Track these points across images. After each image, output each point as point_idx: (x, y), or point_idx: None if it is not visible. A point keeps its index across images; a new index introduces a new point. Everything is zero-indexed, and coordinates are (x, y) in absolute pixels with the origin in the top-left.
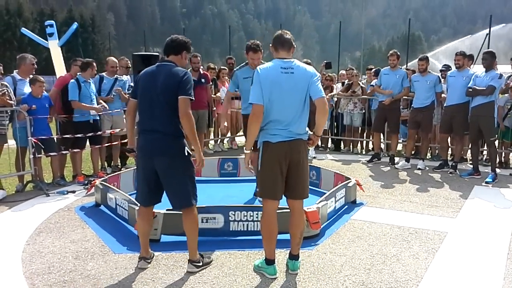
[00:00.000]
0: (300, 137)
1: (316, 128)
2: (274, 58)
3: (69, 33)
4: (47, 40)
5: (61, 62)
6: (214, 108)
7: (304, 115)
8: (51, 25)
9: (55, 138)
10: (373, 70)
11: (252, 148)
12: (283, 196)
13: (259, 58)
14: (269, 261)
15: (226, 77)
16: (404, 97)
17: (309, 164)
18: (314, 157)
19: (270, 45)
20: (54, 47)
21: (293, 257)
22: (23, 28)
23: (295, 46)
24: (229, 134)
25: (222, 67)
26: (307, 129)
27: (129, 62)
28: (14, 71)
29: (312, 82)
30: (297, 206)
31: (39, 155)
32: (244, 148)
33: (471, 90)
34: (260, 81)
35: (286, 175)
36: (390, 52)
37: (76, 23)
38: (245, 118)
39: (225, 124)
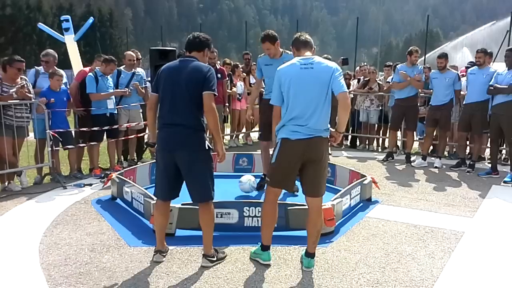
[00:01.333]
0: (320, 134)
1: (338, 125)
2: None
3: (84, 27)
4: (63, 35)
5: (77, 57)
6: (227, 104)
7: (325, 110)
8: (67, 20)
9: (72, 132)
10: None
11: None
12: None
13: (268, 48)
14: (265, 247)
15: (242, 72)
16: (421, 94)
17: None
18: (330, 154)
19: (291, 46)
20: (70, 41)
21: (309, 255)
22: (39, 23)
23: (314, 47)
24: (244, 130)
25: (237, 63)
26: (329, 126)
27: (139, 54)
28: (41, 64)
29: (335, 77)
30: (315, 204)
31: (57, 148)
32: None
33: (492, 88)
34: (280, 80)
35: (303, 171)
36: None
37: (92, 17)
38: (265, 101)
39: (251, 114)
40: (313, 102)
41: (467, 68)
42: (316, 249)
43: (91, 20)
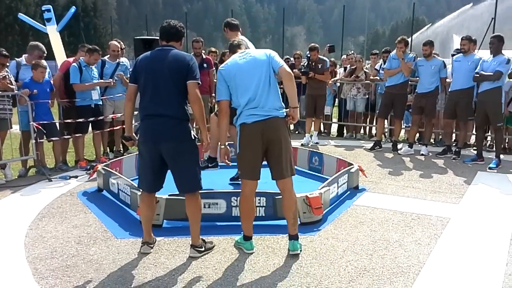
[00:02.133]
0: (275, 114)
1: (289, 99)
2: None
3: (67, 17)
4: (45, 25)
5: (60, 47)
6: (214, 94)
7: (274, 90)
8: (49, 10)
9: (57, 123)
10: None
11: (226, 143)
12: (260, 176)
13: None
14: (246, 237)
15: None
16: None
17: (309, 149)
18: (317, 143)
19: (228, 52)
20: (53, 32)
21: (292, 237)
22: (20, 14)
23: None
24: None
25: (224, 50)
26: (283, 105)
27: (122, 43)
28: (23, 55)
29: (271, 57)
30: (286, 187)
31: (41, 140)
32: (219, 144)
33: (478, 75)
34: (223, 77)
35: (267, 156)
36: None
37: (74, 7)
38: None
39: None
40: (259, 84)
41: (453, 55)
42: (302, 235)
43: (73, 9)
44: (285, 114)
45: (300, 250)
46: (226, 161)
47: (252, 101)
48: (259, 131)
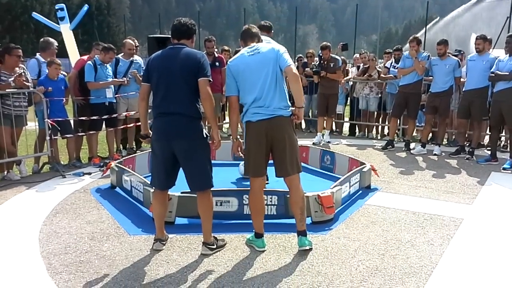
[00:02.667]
0: (280, 113)
1: (295, 99)
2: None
3: (80, 16)
4: (58, 24)
5: (74, 46)
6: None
7: (280, 89)
8: (62, 9)
9: (71, 121)
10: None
11: (238, 137)
12: (266, 173)
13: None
14: (258, 235)
15: None
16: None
17: (320, 147)
18: (329, 142)
19: (240, 39)
20: (66, 30)
21: (300, 233)
22: (34, 13)
23: (261, 38)
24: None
25: (237, 49)
26: (289, 104)
27: (136, 41)
28: (37, 53)
29: (279, 54)
30: (292, 183)
31: (55, 137)
32: (231, 137)
33: (493, 75)
34: (231, 72)
35: (272, 154)
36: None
37: (86, 5)
38: None
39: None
40: (266, 83)
41: (454, 55)
42: (305, 226)
43: (85, 7)
44: (290, 112)
45: (310, 247)
46: (239, 153)
47: (258, 100)
48: (263, 129)
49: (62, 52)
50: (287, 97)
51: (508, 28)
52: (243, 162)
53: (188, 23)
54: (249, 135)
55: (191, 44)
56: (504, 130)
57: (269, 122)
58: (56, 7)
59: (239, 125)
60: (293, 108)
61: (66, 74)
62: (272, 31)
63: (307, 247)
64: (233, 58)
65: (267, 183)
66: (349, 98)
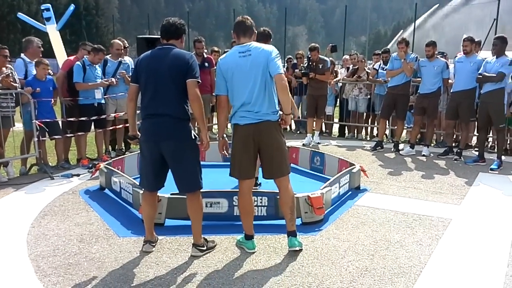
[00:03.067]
0: (268, 118)
1: (282, 106)
2: (235, 45)
3: (66, 16)
4: (45, 24)
5: (60, 46)
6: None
7: (269, 95)
8: (47, 9)
9: (59, 122)
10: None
11: (225, 136)
12: (254, 175)
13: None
14: (248, 236)
15: None
16: (412, 83)
17: (310, 149)
18: (318, 143)
19: (232, 31)
20: (52, 31)
21: (290, 233)
22: (19, 13)
23: (255, 31)
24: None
25: (226, 50)
26: (278, 109)
27: (126, 42)
28: (21, 54)
29: (270, 59)
30: (282, 184)
31: (44, 138)
32: (217, 136)
33: (481, 76)
34: (222, 71)
35: (260, 155)
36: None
37: (73, 5)
38: None
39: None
40: (256, 87)
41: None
42: (295, 227)
43: (72, 7)
44: (278, 117)
45: (300, 248)
46: (225, 152)
47: (246, 105)
48: (251, 133)
49: (49, 53)
50: (276, 101)
51: (495, 30)
52: None
53: (177, 23)
54: (236, 138)
55: (181, 44)
56: (491, 131)
57: (256, 126)
58: (42, 7)
59: (228, 125)
60: (281, 113)
61: (53, 73)
62: (271, 39)
63: (297, 248)
64: (224, 56)
65: (259, 184)
66: (338, 99)
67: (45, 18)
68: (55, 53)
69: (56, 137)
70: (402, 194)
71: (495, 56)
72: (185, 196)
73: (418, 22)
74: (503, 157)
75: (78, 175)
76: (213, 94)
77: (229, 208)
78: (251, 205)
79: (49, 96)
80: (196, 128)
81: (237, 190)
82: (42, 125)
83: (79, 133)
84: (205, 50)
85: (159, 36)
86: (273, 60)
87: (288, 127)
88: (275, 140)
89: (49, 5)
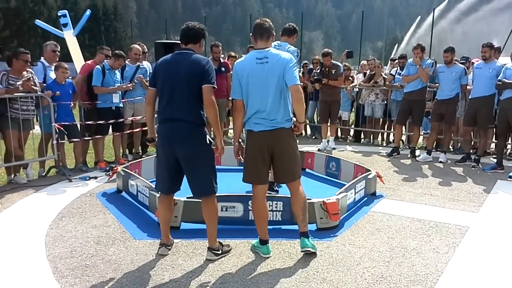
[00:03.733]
0: (282, 125)
1: (296, 116)
2: (254, 48)
3: (83, 21)
4: (62, 30)
5: (78, 51)
6: (231, 98)
7: (284, 102)
8: (64, 15)
9: (78, 125)
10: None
11: (241, 141)
12: (268, 180)
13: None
14: (263, 241)
15: None
16: (428, 88)
17: (328, 155)
18: (334, 148)
19: (251, 34)
20: (69, 37)
21: (302, 234)
22: (37, 20)
23: (274, 33)
24: None
25: (243, 54)
26: (291, 116)
27: (145, 47)
28: (41, 57)
29: (288, 68)
30: (293, 187)
31: (62, 141)
32: (233, 140)
33: (500, 83)
34: (238, 76)
35: (272, 161)
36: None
37: (89, 10)
38: None
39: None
40: (271, 96)
41: (461, 63)
42: (307, 228)
43: (88, 12)
44: (292, 124)
45: (314, 250)
46: (240, 157)
47: (262, 111)
48: (264, 140)
49: (67, 57)
50: (290, 109)
51: None
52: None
53: (196, 27)
54: (250, 144)
55: (199, 49)
56: (510, 138)
57: (270, 133)
58: (59, 14)
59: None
60: (295, 120)
61: (72, 77)
62: (295, 35)
63: (310, 249)
64: (241, 60)
65: (276, 191)
66: (355, 105)
67: (62, 24)
68: (72, 59)
69: (74, 140)
70: (419, 201)
71: None
72: (200, 200)
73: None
74: None
75: (95, 177)
76: (229, 98)
77: (244, 212)
78: (265, 210)
79: (68, 100)
80: (211, 133)
81: (252, 194)
82: (61, 128)
83: (97, 136)
84: (222, 55)
85: (177, 41)
86: (290, 70)
87: (303, 132)
88: (289, 146)
89: (65, 11)
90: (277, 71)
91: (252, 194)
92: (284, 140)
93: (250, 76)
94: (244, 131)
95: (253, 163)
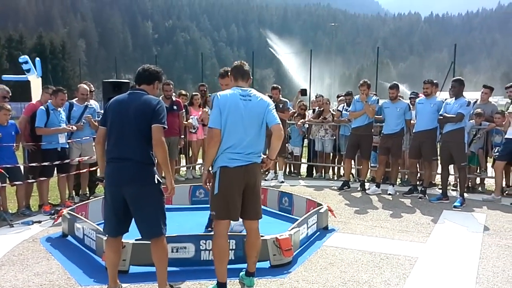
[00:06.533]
0: (255, 160)
1: (270, 152)
2: (233, 86)
3: (38, 64)
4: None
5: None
6: (183, 136)
7: (261, 139)
8: (26, 62)
9: (21, 167)
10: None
11: (210, 168)
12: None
13: (227, 84)
14: (221, 285)
15: (199, 103)
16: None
17: (278, 189)
18: (282, 182)
19: (229, 73)
20: (34, 80)
21: (250, 274)
22: (3, 76)
23: (251, 78)
24: (200, 161)
25: (194, 93)
26: (261, 150)
27: (92, 86)
28: None
29: (268, 110)
30: (254, 227)
31: (3, 185)
32: (203, 168)
33: (441, 117)
34: (220, 107)
35: (242, 197)
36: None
37: (38, 58)
38: None
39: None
40: (249, 132)
41: (410, 98)
42: (272, 278)
43: (37, 59)
44: (261, 159)
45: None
46: (207, 186)
47: (238, 146)
48: (241, 175)
49: (26, 95)
50: (262, 146)
51: (453, 72)
52: (236, 222)
53: (151, 69)
54: (225, 181)
55: (154, 91)
56: (453, 170)
57: (246, 168)
58: (20, 61)
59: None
60: (264, 156)
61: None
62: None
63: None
64: (224, 93)
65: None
66: (305, 140)
67: (25, 70)
68: (32, 98)
69: (17, 183)
70: (370, 233)
71: (453, 98)
72: (149, 242)
73: None
74: (465, 195)
75: (39, 222)
76: (182, 136)
77: (196, 252)
78: (226, 249)
79: (11, 141)
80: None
81: (204, 234)
82: (2, 171)
83: (42, 178)
84: (174, 94)
85: (126, 80)
86: (271, 112)
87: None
88: (259, 181)
89: (26, 57)
90: (259, 111)
91: (204, 234)
92: (256, 174)
93: (232, 110)
94: (211, 167)
95: (228, 199)
